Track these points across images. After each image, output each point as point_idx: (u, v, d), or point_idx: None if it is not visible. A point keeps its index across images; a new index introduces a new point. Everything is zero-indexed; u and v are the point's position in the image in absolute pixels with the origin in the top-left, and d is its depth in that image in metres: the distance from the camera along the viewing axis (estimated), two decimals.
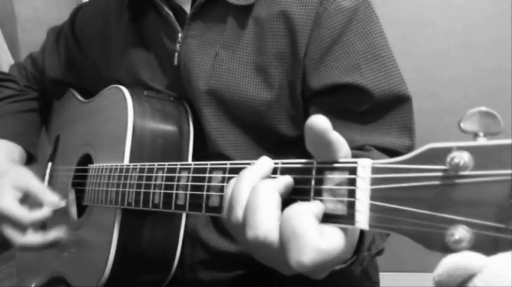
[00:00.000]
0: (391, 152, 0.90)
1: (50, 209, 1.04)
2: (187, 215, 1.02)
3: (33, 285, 1.28)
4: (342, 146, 0.50)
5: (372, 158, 0.83)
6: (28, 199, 1.08)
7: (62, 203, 1.06)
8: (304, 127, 0.49)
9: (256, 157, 1.00)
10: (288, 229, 0.47)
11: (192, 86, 1.01)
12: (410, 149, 0.92)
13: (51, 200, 1.05)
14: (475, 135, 0.40)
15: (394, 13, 2.23)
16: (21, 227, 1.05)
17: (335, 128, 0.93)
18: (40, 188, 1.08)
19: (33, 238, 1.04)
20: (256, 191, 0.52)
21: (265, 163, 0.57)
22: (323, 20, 0.92)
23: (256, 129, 1.00)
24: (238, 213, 0.53)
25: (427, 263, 2.26)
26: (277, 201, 0.51)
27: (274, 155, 1.01)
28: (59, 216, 1.08)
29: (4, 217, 1.04)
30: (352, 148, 0.90)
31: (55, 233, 1.05)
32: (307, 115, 0.98)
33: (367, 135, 0.92)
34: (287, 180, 0.53)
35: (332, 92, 0.93)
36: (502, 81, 2.16)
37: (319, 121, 0.48)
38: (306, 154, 0.98)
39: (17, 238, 1.04)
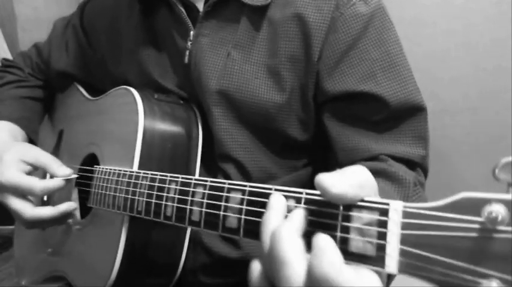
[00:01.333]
0: (405, 161, 0.91)
1: (62, 179, 1.02)
2: None
3: (23, 282, 1.28)
4: (354, 192, 0.49)
5: (389, 170, 0.84)
6: (34, 174, 1.06)
7: (74, 175, 1.05)
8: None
9: (264, 159, 1.01)
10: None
11: (203, 85, 1.01)
12: (424, 158, 0.93)
13: (63, 170, 1.04)
14: (509, 184, 0.40)
15: (394, 13, 2.19)
16: (29, 198, 1.03)
17: (349, 135, 0.95)
18: (49, 159, 1.07)
19: (43, 209, 1.02)
20: (278, 241, 0.50)
21: (280, 202, 0.56)
22: (339, 25, 0.92)
23: (265, 131, 1.00)
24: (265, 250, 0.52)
25: None
26: (301, 247, 0.50)
27: (282, 158, 1.03)
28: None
29: (11, 189, 1.01)
30: (367, 158, 0.92)
31: (67, 205, 1.04)
32: (319, 120, 0.99)
33: (381, 145, 0.92)
34: (301, 217, 0.53)
35: (347, 100, 0.93)
36: (502, 81, 2.16)
37: (318, 181, 0.49)
38: (313, 158, 0.98)
39: (27, 208, 1.02)
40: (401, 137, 0.93)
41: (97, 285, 0.96)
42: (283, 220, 0.54)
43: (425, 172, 0.96)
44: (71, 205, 1.05)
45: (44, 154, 1.09)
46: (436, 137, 2.20)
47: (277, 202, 0.55)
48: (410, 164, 0.92)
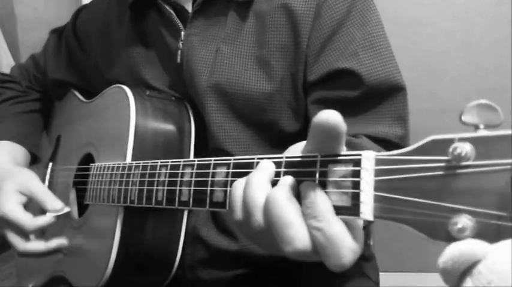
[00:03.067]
0: (384, 141, 0.91)
1: (54, 215, 1.05)
2: (188, 214, 1.02)
3: (30, 285, 1.28)
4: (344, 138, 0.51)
5: (362, 145, 0.85)
6: (31, 202, 1.09)
7: (66, 209, 1.07)
8: (315, 123, 0.49)
9: (257, 152, 1.01)
10: (323, 237, 0.48)
11: (195, 82, 1.02)
12: (402, 138, 0.93)
13: (55, 206, 1.07)
14: (476, 127, 0.41)
15: (394, 13, 2.23)
16: (24, 233, 1.06)
17: None
18: (45, 194, 1.09)
19: (35, 245, 1.06)
20: (278, 203, 0.52)
21: (269, 165, 0.57)
22: (323, 11, 0.93)
23: (258, 124, 1.01)
24: (259, 219, 0.54)
25: (427, 263, 2.27)
26: (299, 209, 0.52)
27: (275, 150, 1.03)
28: (60, 215, 1.08)
29: (8, 221, 1.05)
30: None
31: (57, 242, 1.08)
32: (307, 107, 0.99)
33: (360, 125, 0.93)
34: (291, 182, 0.54)
35: (329, 81, 0.94)
36: (502, 81, 2.16)
37: (333, 116, 0.48)
38: None
39: (20, 244, 1.06)
40: (379, 117, 0.93)
41: (93, 282, 0.97)
42: (269, 182, 0.56)
43: None
44: (61, 243, 1.09)
45: (40, 187, 1.11)
46: None
47: (267, 163, 0.58)
48: (388, 144, 0.92)
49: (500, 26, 2.20)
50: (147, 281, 1.03)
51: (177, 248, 1.01)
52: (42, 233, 1.13)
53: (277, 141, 1.03)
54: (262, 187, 0.55)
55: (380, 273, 1.15)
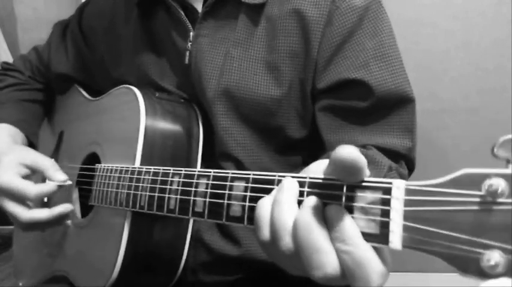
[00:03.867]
0: (392, 153, 0.92)
1: (56, 184, 1.03)
2: None
3: (20, 284, 1.27)
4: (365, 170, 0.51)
5: (365, 153, 0.85)
6: (32, 177, 1.07)
7: (69, 182, 1.05)
8: (334, 159, 0.49)
9: (264, 158, 1.02)
10: (352, 261, 0.49)
11: (203, 85, 1.01)
12: (410, 150, 0.94)
13: (59, 176, 1.04)
14: (508, 161, 0.41)
15: (394, 13, 2.19)
16: (25, 202, 1.03)
17: (338, 129, 0.95)
18: (48, 163, 1.07)
19: (38, 212, 1.02)
20: (307, 228, 0.52)
21: (295, 185, 0.57)
22: (335, 18, 0.93)
23: (265, 129, 1.01)
24: (288, 243, 0.54)
25: (427, 263, 2.27)
26: (327, 233, 0.52)
27: (281, 156, 1.03)
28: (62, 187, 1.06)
29: (7, 192, 1.02)
30: None
31: (62, 206, 1.04)
32: (314, 113, 0.99)
33: (368, 136, 0.93)
34: (318, 203, 0.53)
35: (338, 89, 0.94)
36: (502, 81, 2.16)
37: (349, 152, 0.48)
38: (313, 155, 0.99)
39: (23, 212, 1.02)
40: (388, 129, 0.94)
41: (99, 283, 0.96)
42: (296, 202, 0.56)
43: (411, 164, 0.97)
44: (67, 207, 1.05)
45: (43, 157, 1.09)
46: (436, 137, 2.21)
47: (291, 183, 0.57)
48: (396, 155, 0.93)
49: (500, 26, 2.19)
50: (154, 283, 1.03)
51: (183, 251, 1.01)
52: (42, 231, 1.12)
53: (283, 148, 1.03)
54: (290, 208, 0.54)
55: None
